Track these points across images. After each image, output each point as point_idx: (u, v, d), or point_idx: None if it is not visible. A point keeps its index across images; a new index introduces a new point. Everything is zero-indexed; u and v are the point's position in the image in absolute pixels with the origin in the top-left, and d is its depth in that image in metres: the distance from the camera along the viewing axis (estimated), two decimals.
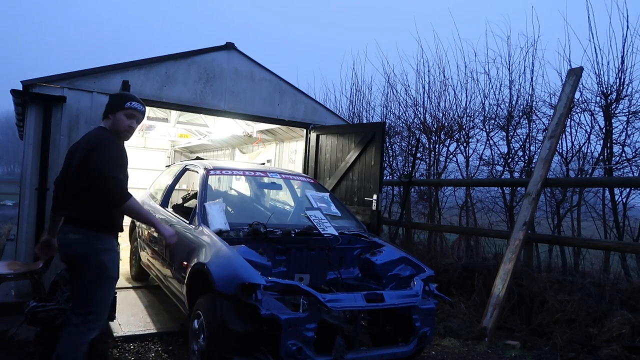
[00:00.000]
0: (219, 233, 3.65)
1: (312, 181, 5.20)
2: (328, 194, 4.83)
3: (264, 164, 8.49)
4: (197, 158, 6.42)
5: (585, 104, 6.15)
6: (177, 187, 5.42)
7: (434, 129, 8.12)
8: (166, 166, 8.66)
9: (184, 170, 5.29)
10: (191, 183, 7.75)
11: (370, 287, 3.72)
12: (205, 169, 4.59)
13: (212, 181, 5.76)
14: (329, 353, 3.00)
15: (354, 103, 10.33)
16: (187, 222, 4.11)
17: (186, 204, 5.51)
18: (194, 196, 5.31)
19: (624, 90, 5.79)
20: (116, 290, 4.21)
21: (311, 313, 2.95)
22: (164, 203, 5.11)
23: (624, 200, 5.81)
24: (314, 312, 2.96)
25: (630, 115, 5.79)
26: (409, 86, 8.82)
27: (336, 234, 4.00)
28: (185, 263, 3.69)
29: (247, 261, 3.13)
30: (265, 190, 5.78)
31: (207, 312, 3.10)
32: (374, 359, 3.21)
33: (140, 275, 5.78)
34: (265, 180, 5.00)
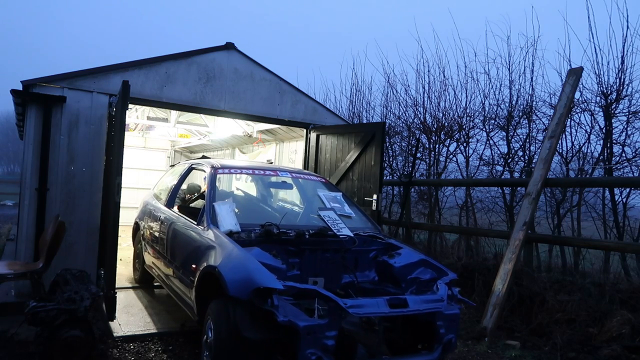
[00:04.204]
0: (230, 234, 3.49)
1: (323, 180, 4.99)
2: (341, 193, 4.64)
3: (272, 162, 8.44)
4: (203, 157, 6.35)
5: (585, 104, 6.16)
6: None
7: (434, 129, 8.12)
8: (170, 166, 8.63)
9: (190, 169, 5.17)
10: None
11: (388, 291, 3.54)
12: (212, 167, 4.44)
13: (218, 181, 5.64)
14: None
15: (354, 103, 10.34)
16: (195, 223, 3.95)
17: (192, 204, 5.40)
18: (200, 196, 5.23)
19: (624, 90, 5.79)
20: (116, 290, 4.26)
21: (331, 320, 2.75)
22: (170, 203, 5.01)
23: (624, 200, 5.81)
24: (334, 319, 2.77)
25: (630, 115, 5.79)
26: (409, 86, 8.84)
27: (352, 235, 3.84)
28: (194, 266, 3.54)
29: (261, 264, 2.97)
30: (273, 190, 5.56)
31: (219, 318, 2.95)
32: None
33: (144, 279, 5.65)
34: (276, 179, 4.79)
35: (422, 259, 3.75)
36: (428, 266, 3.71)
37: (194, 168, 5.11)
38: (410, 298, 3.09)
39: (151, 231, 5.24)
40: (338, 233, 3.81)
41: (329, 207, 4.26)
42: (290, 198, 5.64)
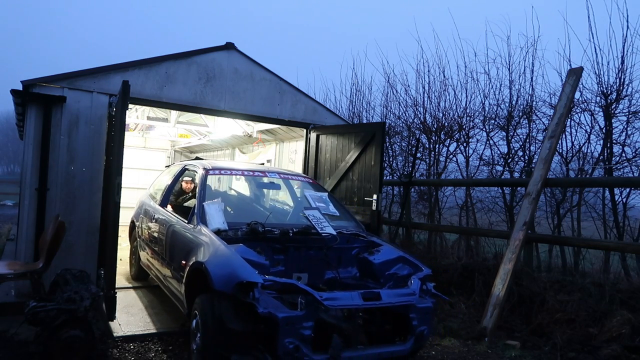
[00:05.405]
0: (218, 232, 3.68)
1: (310, 181, 5.22)
2: (326, 194, 4.84)
3: (263, 164, 8.50)
4: (197, 158, 6.42)
5: (585, 104, 6.16)
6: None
7: (434, 129, 8.12)
8: (166, 166, 8.66)
9: (183, 170, 5.34)
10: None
11: (368, 286, 3.74)
12: (204, 168, 4.63)
13: (212, 181, 5.78)
14: (327, 351, 3.02)
15: (354, 103, 10.34)
16: (186, 221, 4.14)
17: (185, 204, 5.56)
18: (193, 196, 5.34)
19: (624, 90, 5.79)
20: (116, 290, 4.26)
21: (308, 311, 2.97)
22: (163, 203, 5.13)
23: (624, 200, 5.81)
24: (311, 311, 2.99)
25: (630, 115, 5.79)
26: (409, 86, 8.84)
27: (334, 233, 4.02)
28: (184, 262, 3.71)
29: (245, 260, 3.15)
30: (265, 190, 5.80)
31: (205, 310, 3.12)
32: (371, 358, 3.23)
33: (139, 275, 5.80)
34: (264, 180, 5.02)
35: (400, 255, 3.96)
36: (406, 262, 3.91)
37: (187, 169, 5.27)
38: (383, 292, 3.29)
39: (146, 229, 5.38)
40: (321, 231, 3.99)
41: (314, 206, 4.42)
42: (281, 198, 5.82)
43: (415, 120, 8.56)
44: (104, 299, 4.09)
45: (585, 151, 6.30)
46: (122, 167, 4.22)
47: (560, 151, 6.37)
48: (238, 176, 5.79)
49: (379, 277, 3.86)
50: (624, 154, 5.87)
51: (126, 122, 4.66)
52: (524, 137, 6.95)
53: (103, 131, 5.14)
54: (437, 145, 8.19)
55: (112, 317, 4.21)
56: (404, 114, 8.85)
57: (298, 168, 7.32)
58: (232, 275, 3.01)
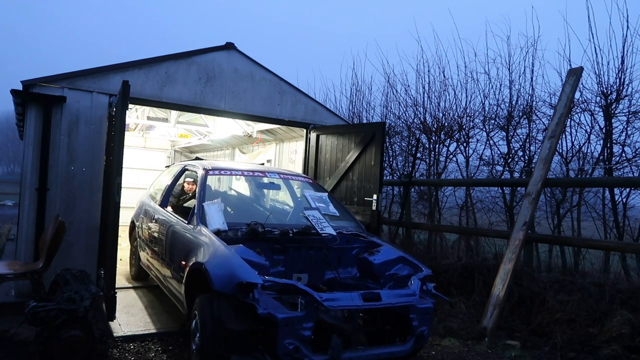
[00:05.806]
0: (217, 233, 3.67)
1: (310, 181, 5.22)
2: (326, 194, 4.84)
3: (263, 164, 8.50)
4: (197, 158, 6.43)
5: (585, 104, 6.16)
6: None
7: (434, 129, 8.12)
8: (166, 166, 8.68)
9: (183, 170, 5.33)
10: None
11: (368, 287, 3.74)
12: (204, 169, 4.62)
13: (212, 181, 5.79)
14: (327, 352, 3.02)
15: (354, 103, 10.34)
16: (186, 222, 4.13)
17: (185, 204, 5.57)
18: (193, 196, 5.35)
19: (624, 90, 5.79)
20: (116, 290, 4.26)
21: (308, 312, 2.97)
22: (163, 203, 5.13)
23: (624, 200, 5.81)
24: (311, 311, 2.99)
25: (630, 115, 5.79)
26: (409, 86, 8.84)
27: (334, 233, 4.01)
28: (183, 263, 3.71)
29: (244, 261, 3.15)
30: (265, 191, 5.80)
31: (205, 311, 3.12)
32: (370, 358, 3.22)
33: (139, 275, 5.80)
34: (264, 180, 5.02)
35: (400, 256, 3.95)
36: (406, 263, 3.91)
37: (187, 169, 5.27)
38: (383, 292, 3.29)
39: (146, 230, 5.38)
40: (321, 231, 3.98)
41: (314, 206, 4.41)
42: (281, 198, 5.83)
43: (415, 120, 8.57)
44: (104, 299, 4.09)
45: (585, 151, 6.31)
46: (122, 167, 4.22)
47: (560, 151, 6.37)
48: (238, 176, 5.81)
49: (379, 278, 3.86)
50: (624, 154, 5.87)
51: (126, 122, 4.66)
52: (524, 137, 6.96)
53: (103, 131, 5.14)
54: (437, 145, 8.19)
55: (112, 317, 4.21)
56: (404, 114, 8.86)
57: (298, 168, 7.32)
58: (231, 276, 3.01)
